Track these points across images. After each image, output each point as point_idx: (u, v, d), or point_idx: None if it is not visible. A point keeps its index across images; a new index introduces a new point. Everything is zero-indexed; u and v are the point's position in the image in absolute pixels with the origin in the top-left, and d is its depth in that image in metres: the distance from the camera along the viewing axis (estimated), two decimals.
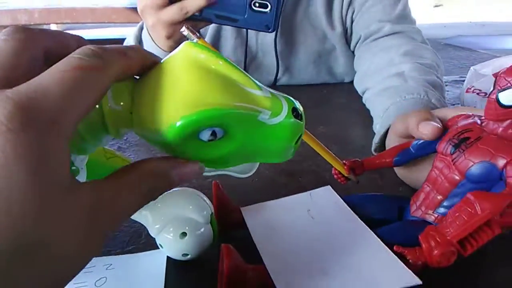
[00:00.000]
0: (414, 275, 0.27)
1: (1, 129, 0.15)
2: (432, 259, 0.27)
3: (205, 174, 0.25)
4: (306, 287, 0.28)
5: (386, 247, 0.29)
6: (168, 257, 0.34)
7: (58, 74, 0.18)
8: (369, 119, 0.62)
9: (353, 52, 0.89)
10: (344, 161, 0.39)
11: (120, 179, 0.20)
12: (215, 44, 0.89)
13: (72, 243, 0.18)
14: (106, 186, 0.20)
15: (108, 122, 0.23)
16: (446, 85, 0.82)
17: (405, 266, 0.28)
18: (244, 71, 0.23)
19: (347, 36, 0.88)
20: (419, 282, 0.26)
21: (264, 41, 0.86)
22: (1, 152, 0.15)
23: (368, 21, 0.82)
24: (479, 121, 0.33)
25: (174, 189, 0.32)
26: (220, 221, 0.37)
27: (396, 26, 0.79)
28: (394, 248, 0.29)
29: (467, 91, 0.73)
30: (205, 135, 0.21)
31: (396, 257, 0.28)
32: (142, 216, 0.33)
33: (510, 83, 0.28)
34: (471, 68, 0.75)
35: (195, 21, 0.61)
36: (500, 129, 0.30)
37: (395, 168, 0.45)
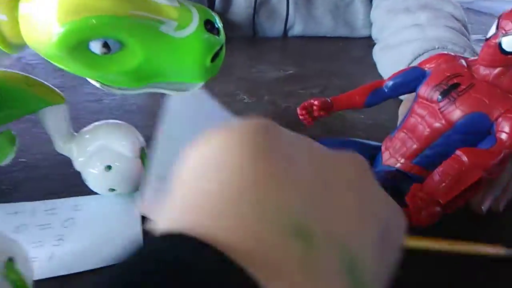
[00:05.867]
0: None
1: None
2: (420, 220, 0.26)
3: (133, 92, 0.23)
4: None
5: None
6: None
7: None
8: None
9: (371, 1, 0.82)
10: (313, 101, 0.35)
11: None
12: None
13: None
14: None
15: None
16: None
17: None
18: None
19: None
20: None
21: None
22: None
23: None
24: (465, 64, 0.30)
25: (104, 122, 0.31)
26: None
27: None
28: None
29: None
30: (96, 47, 0.19)
31: None
32: (67, 149, 0.31)
33: None
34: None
35: None
36: (492, 75, 0.27)
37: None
